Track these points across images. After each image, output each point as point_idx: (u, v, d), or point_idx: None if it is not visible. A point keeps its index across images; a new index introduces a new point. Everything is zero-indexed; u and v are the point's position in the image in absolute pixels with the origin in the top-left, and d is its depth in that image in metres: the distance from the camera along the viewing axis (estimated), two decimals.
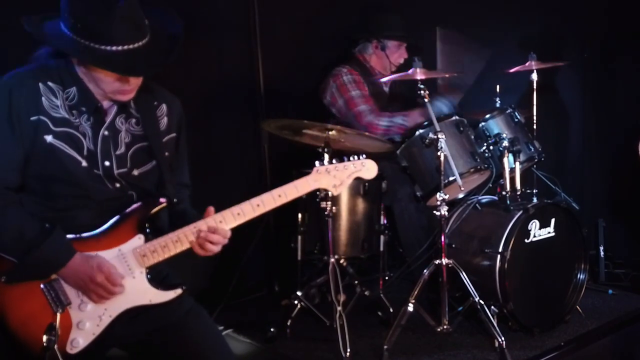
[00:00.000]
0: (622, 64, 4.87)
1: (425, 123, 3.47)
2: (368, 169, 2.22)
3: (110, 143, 2.05)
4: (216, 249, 2.04)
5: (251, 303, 3.94)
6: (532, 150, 3.69)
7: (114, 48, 1.89)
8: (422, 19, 4.35)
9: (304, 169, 3.47)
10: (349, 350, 3.04)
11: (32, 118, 1.93)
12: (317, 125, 3.18)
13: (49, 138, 1.94)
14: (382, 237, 3.58)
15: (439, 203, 3.17)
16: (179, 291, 2.06)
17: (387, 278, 3.65)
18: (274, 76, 3.99)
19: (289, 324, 3.35)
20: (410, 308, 3.10)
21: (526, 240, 3.33)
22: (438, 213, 3.18)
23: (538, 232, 3.36)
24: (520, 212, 3.31)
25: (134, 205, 2.04)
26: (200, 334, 2.12)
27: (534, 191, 3.74)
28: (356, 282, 3.45)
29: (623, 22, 4.79)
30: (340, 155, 3.42)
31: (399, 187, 3.65)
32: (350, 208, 3.46)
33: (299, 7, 4.11)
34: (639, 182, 4.42)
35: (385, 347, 3.08)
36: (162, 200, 2.06)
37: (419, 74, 3.30)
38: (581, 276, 3.50)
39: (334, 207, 3.21)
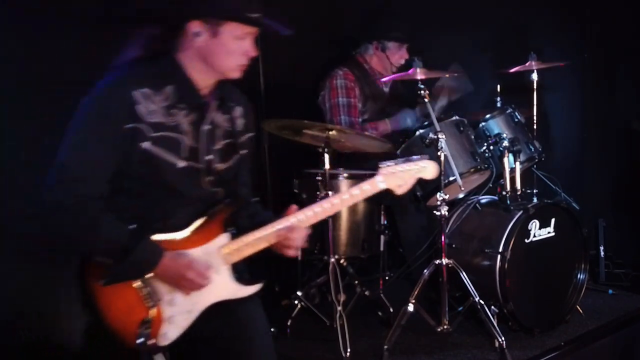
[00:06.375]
0: (622, 64, 4.87)
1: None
2: (429, 170, 2.24)
3: (210, 137, 2.11)
4: (296, 247, 2.13)
5: None
6: (532, 150, 3.69)
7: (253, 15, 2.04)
8: (422, 19, 4.35)
9: (305, 169, 3.51)
10: (349, 350, 3.04)
11: (127, 126, 1.95)
12: (317, 125, 3.18)
13: (145, 145, 1.97)
14: (382, 237, 3.58)
15: (439, 203, 3.17)
16: (260, 285, 2.15)
17: (387, 278, 3.65)
18: (274, 76, 3.99)
19: (289, 324, 3.36)
20: (410, 308, 3.10)
21: (526, 240, 3.33)
22: (438, 213, 3.18)
23: (538, 232, 3.36)
24: (520, 212, 3.31)
25: (220, 204, 2.12)
26: (252, 323, 2.17)
27: (534, 191, 3.74)
28: (356, 282, 3.45)
29: (623, 22, 4.79)
30: (339, 155, 3.49)
31: None
32: (350, 208, 3.46)
33: (299, 7, 4.10)
34: (639, 182, 4.43)
35: (385, 347, 3.08)
36: (244, 198, 2.17)
37: (419, 74, 3.30)
38: (581, 276, 3.50)
39: None
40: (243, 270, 2.19)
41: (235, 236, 2.11)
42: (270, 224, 2.11)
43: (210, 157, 2.10)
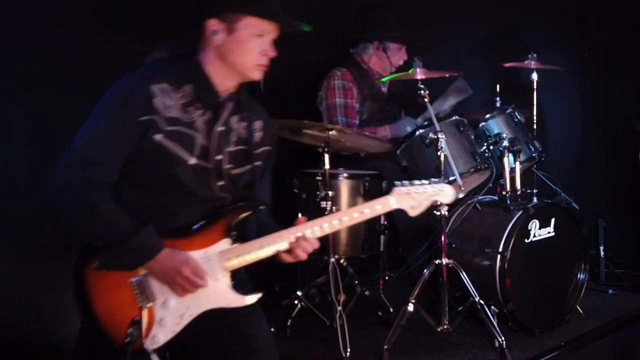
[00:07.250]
0: (622, 64, 4.87)
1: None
2: (446, 194, 2.22)
3: (223, 139, 2.11)
4: (304, 256, 2.09)
5: None
6: (532, 150, 3.69)
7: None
8: (420, 18, 4.35)
9: (304, 169, 3.50)
10: (349, 350, 3.04)
11: (143, 118, 1.96)
12: (317, 125, 3.18)
13: (158, 137, 1.98)
14: (382, 237, 3.58)
15: (439, 203, 3.17)
16: (257, 296, 2.09)
17: (387, 278, 3.65)
18: (273, 76, 3.97)
19: (289, 324, 3.36)
20: (410, 308, 3.10)
21: (526, 240, 3.33)
22: (438, 213, 3.17)
23: (538, 232, 3.36)
24: (520, 212, 3.32)
25: (224, 209, 2.09)
26: (254, 339, 2.13)
27: (534, 191, 3.74)
28: (356, 282, 3.45)
29: (623, 22, 4.79)
30: (340, 155, 3.48)
31: None
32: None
33: (299, 6, 4.10)
34: (639, 182, 4.43)
35: (385, 347, 3.07)
36: (250, 206, 2.11)
37: (419, 74, 3.30)
38: (581, 276, 3.50)
39: (334, 207, 3.21)
40: (244, 280, 2.16)
41: (237, 243, 2.07)
42: (275, 233, 2.08)
43: (220, 157, 2.09)
